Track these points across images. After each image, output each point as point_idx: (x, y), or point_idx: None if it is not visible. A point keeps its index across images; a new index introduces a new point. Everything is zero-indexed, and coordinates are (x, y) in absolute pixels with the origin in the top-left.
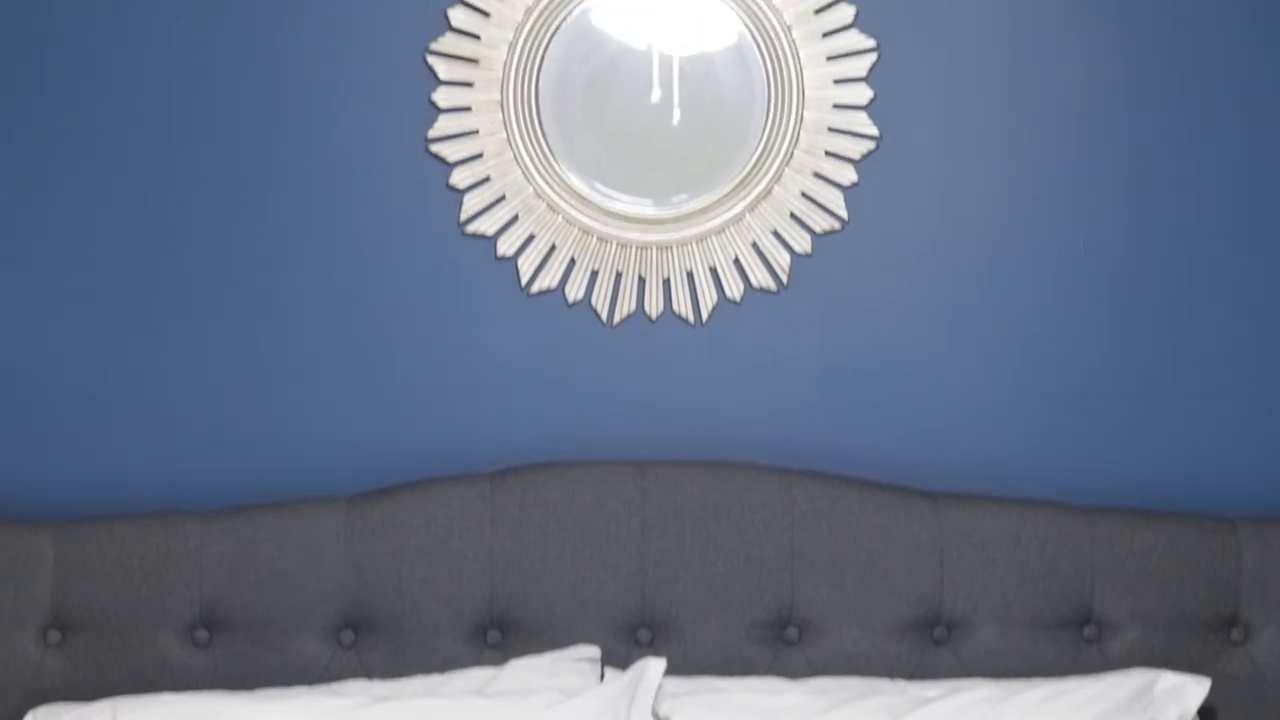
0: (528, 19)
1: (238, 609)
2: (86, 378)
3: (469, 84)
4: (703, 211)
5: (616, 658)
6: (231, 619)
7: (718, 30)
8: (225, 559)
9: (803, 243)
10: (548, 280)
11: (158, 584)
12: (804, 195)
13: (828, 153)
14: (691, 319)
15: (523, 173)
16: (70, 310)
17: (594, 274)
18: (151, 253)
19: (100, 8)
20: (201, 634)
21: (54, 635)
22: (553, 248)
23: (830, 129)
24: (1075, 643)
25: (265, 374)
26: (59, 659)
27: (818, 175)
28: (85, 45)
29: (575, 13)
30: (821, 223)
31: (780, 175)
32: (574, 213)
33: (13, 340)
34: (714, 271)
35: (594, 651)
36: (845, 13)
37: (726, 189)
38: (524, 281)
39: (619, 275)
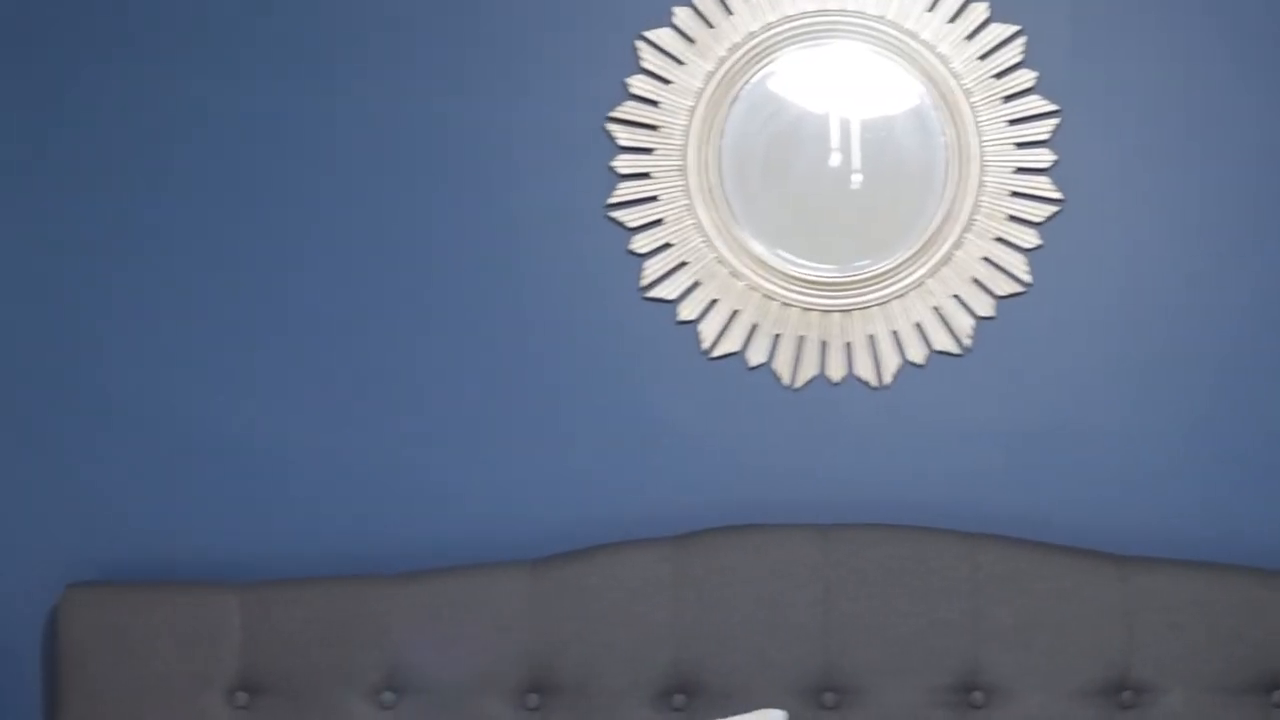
0: (708, 85)
1: (423, 672)
2: (274, 444)
3: (649, 150)
4: (884, 276)
5: None
6: (417, 682)
7: (897, 94)
8: (411, 622)
9: (985, 306)
10: (730, 345)
11: (344, 647)
12: (986, 259)
13: (1010, 216)
14: (874, 382)
15: (704, 239)
16: (259, 378)
17: (776, 338)
18: (338, 325)
19: (269, 75)
20: (387, 696)
21: (241, 697)
22: (735, 313)
23: (1012, 193)
24: (1264, 708)
25: (450, 440)
26: None
27: (999, 239)
28: (252, 113)
29: (754, 79)
30: (1004, 286)
31: (962, 240)
32: (756, 278)
33: (204, 408)
34: (896, 335)
35: (779, 716)
36: (1026, 77)
37: (908, 253)
38: (705, 346)
39: (801, 339)
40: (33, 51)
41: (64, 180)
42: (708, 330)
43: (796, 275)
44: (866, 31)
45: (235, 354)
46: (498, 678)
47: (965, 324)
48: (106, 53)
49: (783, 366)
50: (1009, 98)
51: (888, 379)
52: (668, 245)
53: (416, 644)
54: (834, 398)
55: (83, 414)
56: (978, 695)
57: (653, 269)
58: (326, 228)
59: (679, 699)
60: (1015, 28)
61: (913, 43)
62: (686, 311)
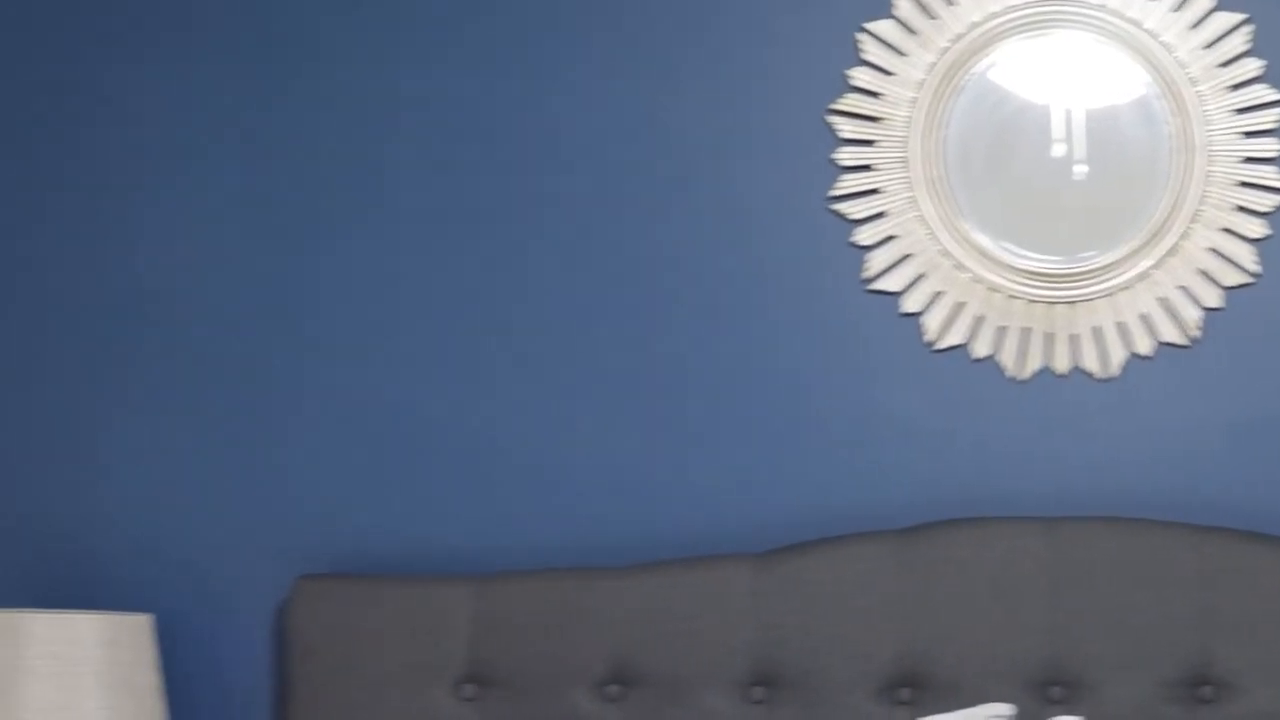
0: (930, 76)
1: (648, 664)
2: (502, 437)
3: (870, 142)
4: (1110, 268)
5: (1029, 715)
6: (642, 674)
7: (1120, 84)
8: (636, 615)
9: (1213, 297)
10: (954, 337)
11: (570, 639)
12: (1213, 250)
13: (1237, 207)
14: (1100, 374)
15: (927, 231)
16: (489, 374)
17: (1001, 330)
18: (566, 321)
19: (487, 72)
20: (613, 689)
21: (468, 689)
22: (959, 305)
23: (1240, 183)
24: None
25: (676, 433)
26: (474, 713)
27: (1226, 230)
28: (455, 107)
29: (976, 69)
30: (1231, 277)
31: (1188, 231)
32: (980, 270)
33: (435, 404)
34: (1121, 327)
35: (1007, 709)
36: (1253, 65)
37: (1134, 245)
38: (929, 338)
39: (1026, 331)
40: (253, 51)
41: (285, 179)
42: (932, 323)
43: (1021, 267)
44: (1088, 21)
45: (467, 350)
46: (722, 670)
47: (1192, 315)
48: (314, 50)
49: (1008, 359)
50: (1235, 86)
51: (1114, 371)
52: (891, 238)
53: (642, 636)
54: (1060, 390)
55: (314, 409)
56: (1207, 690)
57: (876, 262)
58: (555, 227)
59: (904, 692)
60: (1242, 16)
61: (1136, 31)
62: (911, 304)
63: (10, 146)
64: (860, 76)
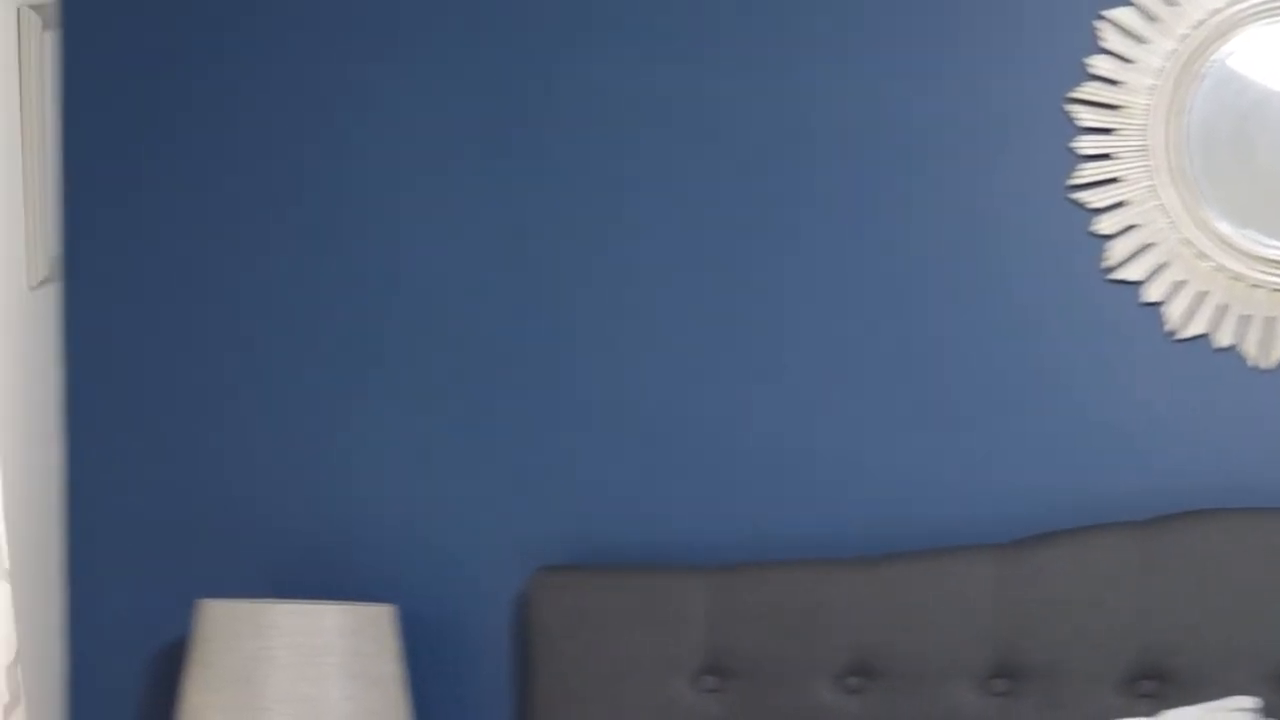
0: (1170, 63)
1: (889, 656)
2: (742, 429)
3: (1110, 130)
4: None
5: (1275, 709)
6: (883, 666)
7: None
8: (878, 606)
9: None
10: (1197, 326)
11: (810, 631)
12: None
13: None
14: None
15: (1169, 219)
16: (729, 365)
17: (1244, 319)
18: (806, 312)
19: (733, 70)
20: (853, 680)
21: (708, 680)
22: (1201, 294)
23: None
24: None
25: (914, 423)
26: (713, 704)
27: None
28: (697, 106)
29: (1217, 56)
30: None
31: None
32: (1223, 258)
33: (671, 396)
34: None
35: (1251, 703)
36: None
37: None
38: (1171, 327)
39: (1270, 320)
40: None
41: (544, 179)
42: (1173, 312)
43: (1264, 255)
44: None
45: (710, 343)
46: (963, 662)
47: None
48: (571, 48)
49: (1251, 348)
50: None
51: None
52: (1132, 227)
53: (884, 628)
54: None
55: (552, 401)
56: None
57: (1117, 251)
58: (800, 222)
59: (1147, 685)
60: None
61: None
62: (1152, 293)
63: (268, 144)
64: (1100, 64)
